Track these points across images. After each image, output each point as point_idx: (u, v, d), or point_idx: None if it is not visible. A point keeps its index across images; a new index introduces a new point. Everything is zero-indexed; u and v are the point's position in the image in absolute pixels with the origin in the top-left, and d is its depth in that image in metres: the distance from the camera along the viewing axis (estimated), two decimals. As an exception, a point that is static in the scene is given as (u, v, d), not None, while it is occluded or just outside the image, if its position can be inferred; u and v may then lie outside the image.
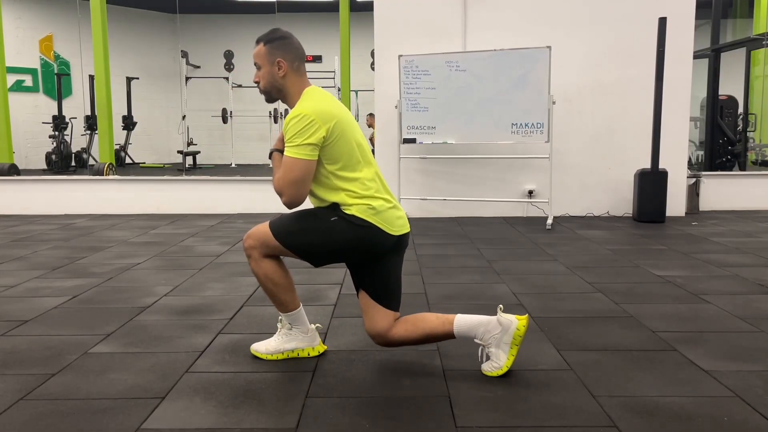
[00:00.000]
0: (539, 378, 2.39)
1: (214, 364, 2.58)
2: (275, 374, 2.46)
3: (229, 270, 4.35)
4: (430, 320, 2.45)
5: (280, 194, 2.35)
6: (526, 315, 2.40)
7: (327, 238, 2.40)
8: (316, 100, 2.37)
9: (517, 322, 2.36)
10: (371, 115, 11.96)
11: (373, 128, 11.82)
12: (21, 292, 3.80)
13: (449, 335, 2.43)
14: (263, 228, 2.46)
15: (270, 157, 2.50)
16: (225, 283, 3.96)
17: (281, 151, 2.42)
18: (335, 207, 2.41)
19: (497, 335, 2.37)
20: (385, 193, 2.46)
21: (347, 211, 2.38)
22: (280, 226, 2.44)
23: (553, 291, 3.70)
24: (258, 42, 2.46)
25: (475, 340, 2.42)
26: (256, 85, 2.48)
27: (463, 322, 2.41)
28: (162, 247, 5.27)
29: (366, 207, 2.38)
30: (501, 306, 2.46)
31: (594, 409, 2.13)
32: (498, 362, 2.38)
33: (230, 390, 2.31)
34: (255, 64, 2.46)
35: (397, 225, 2.43)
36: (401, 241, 2.48)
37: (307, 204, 2.40)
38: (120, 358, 2.65)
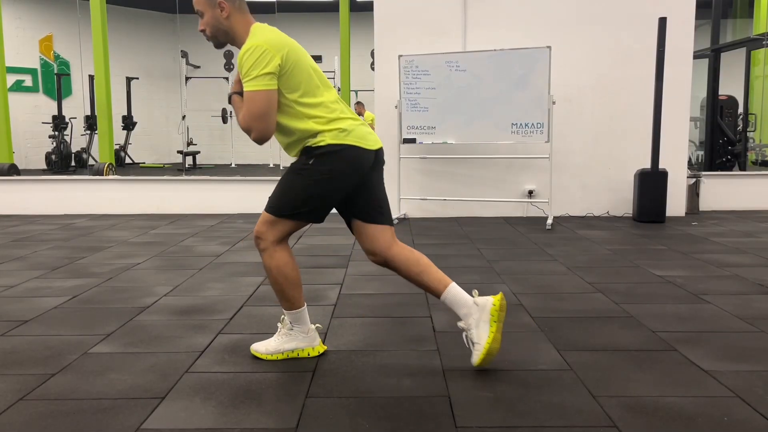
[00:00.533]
0: (539, 378, 2.39)
1: (214, 364, 2.58)
2: (275, 374, 2.46)
3: (229, 270, 4.35)
4: (431, 271, 2.48)
5: (248, 131, 2.34)
6: (500, 293, 2.45)
7: (317, 182, 2.40)
8: (264, 33, 2.35)
9: (492, 299, 2.41)
10: (359, 103, 11.99)
11: (362, 116, 11.85)
12: (21, 292, 3.80)
13: (436, 294, 2.48)
14: (262, 217, 2.48)
15: (230, 102, 2.47)
16: (225, 283, 3.96)
17: (240, 93, 2.40)
18: (307, 151, 2.41)
19: (476, 316, 2.42)
20: (350, 114, 2.47)
21: (321, 144, 2.38)
22: (273, 202, 2.46)
23: (553, 291, 3.70)
24: None
25: (458, 324, 2.47)
26: (202, 33, 2.44)
27: (455, 292, 2.45)
28: (162, 247, 5.27)
29: (337, 131, 2.38)
30: (476, 291, 2.50)
31: (594, 409, 2.13)
32: (479, 341, 2.40)
33: (230, 390, 2.31)
34: (197, 12, 2.43)
35: (370, 140, 2.45)
36: (378, 156, 2.50)
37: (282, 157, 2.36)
38: (120, 358, 2.65)
